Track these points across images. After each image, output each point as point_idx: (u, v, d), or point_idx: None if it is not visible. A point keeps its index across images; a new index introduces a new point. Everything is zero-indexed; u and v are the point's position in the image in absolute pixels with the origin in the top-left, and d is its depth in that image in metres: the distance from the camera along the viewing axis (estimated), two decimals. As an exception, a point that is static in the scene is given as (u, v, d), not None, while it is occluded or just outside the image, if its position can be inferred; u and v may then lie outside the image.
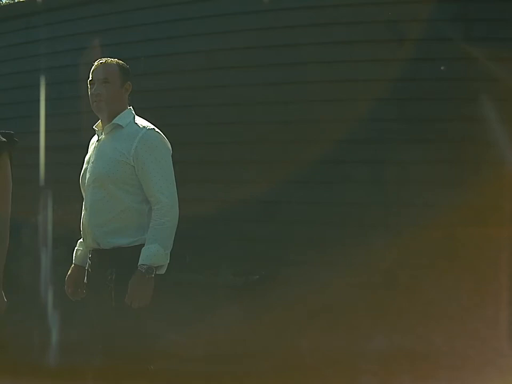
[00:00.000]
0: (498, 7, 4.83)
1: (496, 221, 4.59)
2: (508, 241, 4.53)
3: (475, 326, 4.31)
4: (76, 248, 3.48)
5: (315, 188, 5.23)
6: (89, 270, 3.35)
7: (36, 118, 5.83)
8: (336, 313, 4.69)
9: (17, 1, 8.78)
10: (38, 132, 5.78)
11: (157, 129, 3.27)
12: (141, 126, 3.25)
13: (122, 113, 3.29)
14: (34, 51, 6.35)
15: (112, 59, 3.35)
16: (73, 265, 3.46)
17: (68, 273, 3.48)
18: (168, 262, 3.18)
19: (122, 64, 3.36)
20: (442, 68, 4.91)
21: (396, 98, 4.99)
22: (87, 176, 3.34)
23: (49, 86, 5.92)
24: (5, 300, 3.05)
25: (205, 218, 5.38)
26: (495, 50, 4.64)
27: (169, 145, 3.29)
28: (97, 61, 3.33)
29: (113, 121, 3.27)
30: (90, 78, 3.32)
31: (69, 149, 6.08)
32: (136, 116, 3.34)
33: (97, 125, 3.37)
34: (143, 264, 3.09)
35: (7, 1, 10.99)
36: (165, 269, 3.18)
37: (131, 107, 3.37)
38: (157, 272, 3.12)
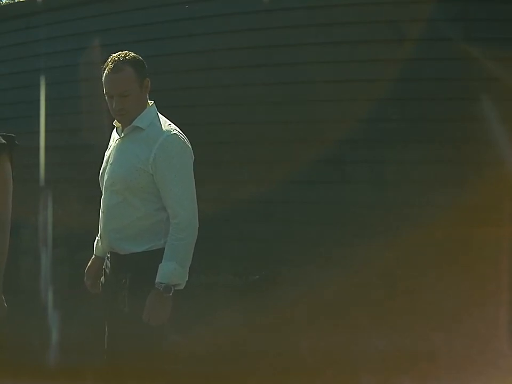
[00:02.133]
0: (498, 7, 4.83)
1: (496, 221, 4.59)
2: (508, 241, 4.53)
3: (475, 326, 4.31)
4: (96, 239, 3.36)
5: (315, 188, 5.23)
6: (106, 270, 3.27)
7: (35, 118, 5.83)
8: (336, 313, 4.69)
9: (17, 1, 8.78)
10: (38, 132, 5.78)
11: (179, 133, 3.11)
12: (162, 130, 3.07)
13: (143, 113, 3.10)
14: (34, 51, 6.35)
15: (123, 59, 3.05)
16: (93, 257, 3.35)
17: (88, 264, 3.37)
18: (187, 278, 3.07)
19: (135, 60, 3.08)
20: (442, 68, 4.91)
21: (396, 98, 4.99)
22: (105, 177, 3.18)
23: (49, 86, 5.92)
24: (5, 305, 3.01)
25: (205, 218, 5.36)
26: (495, 50, 4.64)
27: (191, 151, 3.15)
28: (109, 63, 3.06)
29: (133, 123, 3.09)
30: (105, 91, 3.08)
31: (69, 149, 6.09)
32: (157, 114, 3.16)
33: (116, 122, 3.20)
34: (160, 283, 2.97)
35: (7, 1, 10.98)
36: (184, 285, 3.06)
37: (152, 102, 3.19)
38: (177, 288, 3.01)
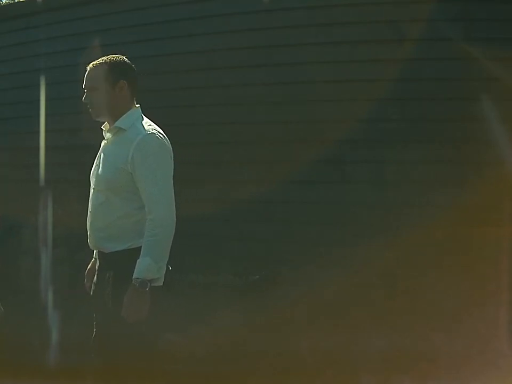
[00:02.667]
0: (498, 7, 4.83)
1: (496, 221, 4.59)
2: (508, 241, 4.53)
3: (475, 326, 4.31)
4: None
5: (315, 187, 5.23)
6: (97, 269, 3.33)
7: (36, 118, 5.84)
8: (336, 313, 4.69)
9: (17, 1, 8.78)
10: (38, 132, 5.78)
11: (157, 133, 3.16)
12: (140, 130, 3.15)
13: (125, 114, 3.20)
14: (34, 51, 6.35)
15: (103, 59, 3.21)
16: (93, 259, 3.42)
17: (88, 266, 3.44)
18: (163, 273, 3.10)
19: (116, 62, 3.22)
20: (442, 68, 4.91)
21: (396, 98, 4.99)
22: (93, 178, 3.29)
23: (49, 86, 5.92)
24: (1, 308, 3.02)
25: (205, 218, 5.38)
26: (495, 50, 4.64)
27: (169, 150, 3.19)
28: (91, 63, 3.24)
29: (115, 124, 3.20)
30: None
31: (69, 149, 6.09)
32: (142, 116, 3.24)
33: (104, 125, 3.30)
34: (137, 278, 3.03)
35: (7, 1, 10.99)
36: (162, 281, 3.09)
37: (138, 106, 3.27)
38: (154, 284, 3.05)
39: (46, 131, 5.74)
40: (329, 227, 5.12)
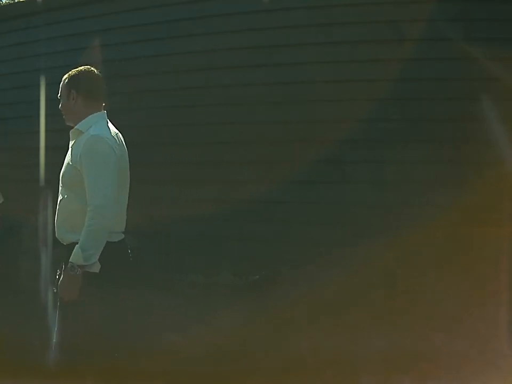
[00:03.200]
0: (498, 7, 4.83)
1: (496, 221, 4.59)
2: (508, 241, 4.53)
3: (475, 326, 4.31)
4: None
5: (315, 187, 5.23)
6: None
7: (35, 118, 5.83)
8: (336, 313, 4.69)
9: (17, 1, 8.78)
10: (38, 132, 5.78)
11: (101, 135, 3.46)
12: (90, 132, 3.48)
13: (84, 120, 3.55)
14: (34, 51, 6.35)
15: (71, 71, 3.65)
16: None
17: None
18: (94, 261, 3.34)
19: (71, 74, 3.64)
20: (442, 68, 4.91)
21: (396, 98, 4.99)
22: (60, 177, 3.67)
23: (49, 86, 5.92)
24: None
25: (205, 218, 5.38)
26: (495, 50, 4.64)
27: (112, 151, 3.45)
28: None
29: (74, 128, 3.58)
30: None
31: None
32: (105, 120, 3.57)
33: (71, 130, 3.65)
34: (70, 262, 3.36)
35: (7, 1, 10.99)
36: (93, 268, 3.34)
37: (102, 111, 3.60)
38: (88, 270, 3.33)
39: (46, 131, 5.74)
40: (329, 227, 5.11)
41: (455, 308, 4.48)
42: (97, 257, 3.35)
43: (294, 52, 5.31)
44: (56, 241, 3.64)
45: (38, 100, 5.86)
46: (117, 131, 3.63)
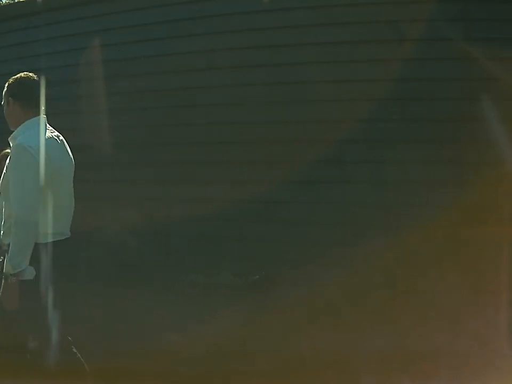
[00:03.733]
0: (498, 7, 4.83)
1: (496, 221, 4.59)
2: (508, 241, 4.53)
3: (475, 326, 4.31)
4: None
5: (315, 188, 5.23)
6: None
7: (36, 118, 5.83)
8: (336, 313, 4.69)
9: (17, 1, 8.78)
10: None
11: (24, 144, 3.42)
12: (15, 142, 3.49)
13: (20, 126, 3.57)
14: (34, 51, 6.35)
15: (10, 78, 3.68)
16: None
17: None
18: (22, 269, 3.34)
19: (9, 82, 3.67)
20: (442, 68, 4.91)
21: (396, 98, 4.99)
22: None
23: (49, 86, 5.91)
24: None
25: (205, 218, 5.38)
26: (495, 50, 4.64)
27: (33, 159, 3.40)
28: None
29: (11, 135, 3.58)
30: None
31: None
32: (30, 129, 3.53)
33: None
34: (3, 272, 3.37)
35: (7, 1, 10.99)
36: (23, 275, 3.33)
37: (37, 118, 3.59)
38: (21, 278, 3.32)
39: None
40: (329, 227, 5.11)
41: (455, 307, 4.48)
42: (25, 264, 3.35)
43: (294, 52, 5.31)
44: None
45: (38, 100, 5.86)
46: (57, 135, 3.65)
